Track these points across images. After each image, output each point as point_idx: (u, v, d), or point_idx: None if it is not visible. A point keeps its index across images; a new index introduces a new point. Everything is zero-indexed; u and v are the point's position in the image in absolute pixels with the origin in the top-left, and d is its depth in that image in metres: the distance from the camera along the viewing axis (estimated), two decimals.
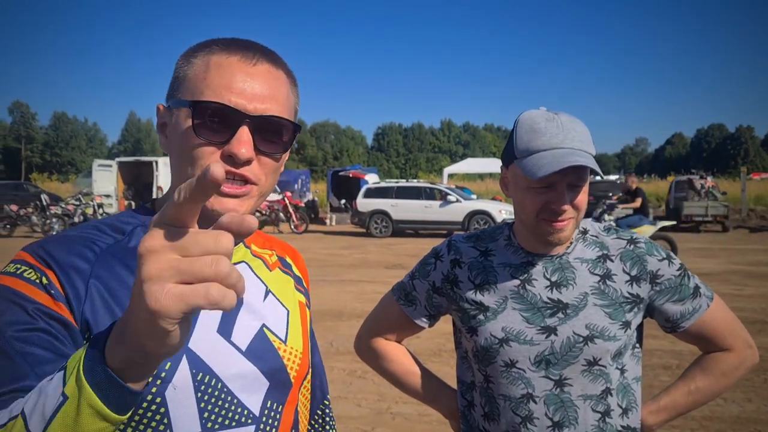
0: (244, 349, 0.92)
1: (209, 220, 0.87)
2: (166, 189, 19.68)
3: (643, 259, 1.33)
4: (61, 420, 0.62)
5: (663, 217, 20.22)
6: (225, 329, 0.91)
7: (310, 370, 1.12)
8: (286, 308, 1.03)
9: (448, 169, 24.82)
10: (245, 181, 0.87)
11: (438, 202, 19.23)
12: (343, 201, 26.30)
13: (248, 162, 0.86)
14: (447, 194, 19.45)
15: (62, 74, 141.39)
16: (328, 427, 1.21)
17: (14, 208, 19.16)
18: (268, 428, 0.92)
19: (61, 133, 75.56)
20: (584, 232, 1.39)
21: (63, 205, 19.50)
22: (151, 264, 0.54)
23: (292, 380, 0.98)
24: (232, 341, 0.91)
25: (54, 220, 18.48)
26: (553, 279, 1.34)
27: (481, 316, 1.37)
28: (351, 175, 26.38)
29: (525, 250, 1.37)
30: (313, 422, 1.18)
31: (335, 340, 6.41)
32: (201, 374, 0.86)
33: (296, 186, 25.68)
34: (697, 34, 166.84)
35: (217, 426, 0.87)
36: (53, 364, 0.75)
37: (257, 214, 18.97)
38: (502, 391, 1.35)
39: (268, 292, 1.01)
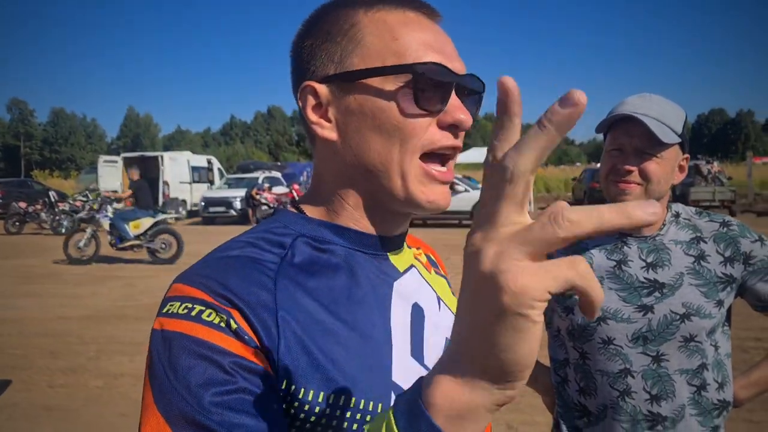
0: None
1: (401, 218, 0.80)
2: (172, 184, 19.53)
3: (737, 241, 1.40)
4: None
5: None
6: (417, 353, 0.77)
7: None
8: (453, 313, 0.87)
9: None
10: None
11: None
12: None
13: (466, 129, 0.75)
14: (455, 184, 19.50)
15: (60, 71, 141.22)
16: None
17: (23, 205, 19.21)
18: None
19: (60, 129, 75.52)
20: (677, 215, 1.46)
21: (70, 202, 19.54)
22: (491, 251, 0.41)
23: None
24: (426, 365, 0.76)
25: (62, 216, 18.53)
26: (649, 260, 1.40)
27: (576, 296, 1.43)
28: None
29: (619, 231, 1.44)
30: None
31: None
32: None
33: (302, 178, 25.70)
34: (697, 20, 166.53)
35: None
36: None
37: (264, 207, 19.06)
38: (600, 366, 1.42)
39: (439, 299, 0.86)
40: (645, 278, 1.40)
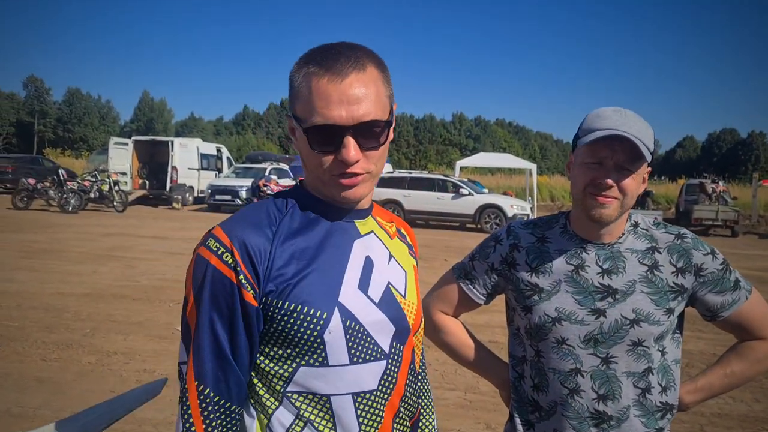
0: (377, 301, 1.18)
1: (340, 209, 1.19)
2: (181, 170, 19.73)
3: (690, 253, 1.48)
4: None
5: (672, 220, 20.22)
6: (363, 285, 1.17)
7: (423, 319, 1.35)
8: (404, 270, 1.28)
9: (461, 162, 24.85)
10: (357, 173, 1.12)
11: (450, 195, 19.35)
12: None
13: (357, 161, 1.10)
14: (460, 187, 19.54)
15: (77, 51, 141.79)
16: (422, 379, 1.44)
17: (32, 181, 19.41)
18: (394, 363, 1.19)
19: (75, 109, 75.63)
20: (635, 225, 1.53)
21: (79, 181, 19.72)
22: None
23: (410, 326, 1.24)
24: (369, 295, 1.16)
25: (70, 194, 18.70)
26: (605, 266, 1.48)
27: (536, 297, 1.51)
28: None
29: (579, 237, 1.51)
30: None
31: None
32: (349, 321, 1.13)
33: None
34: (712, 38, 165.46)
35: (360, 360, 1.14)
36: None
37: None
38: (553, 365, 1.50)
39: (390, 256, 1.26)
40: (600, 283, 1.47)
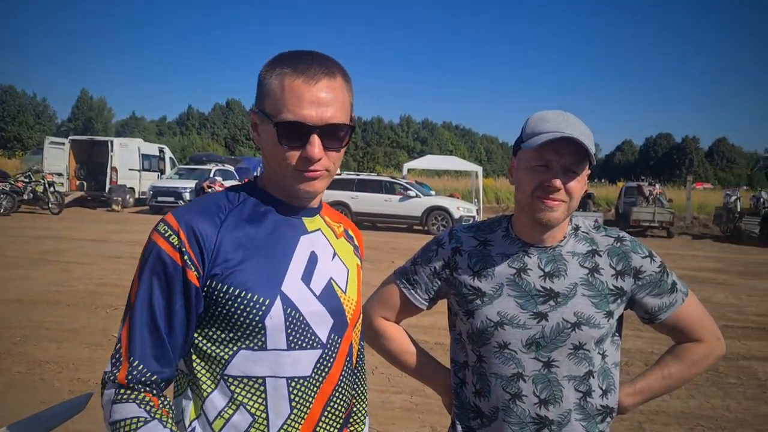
0: (318, 293, 1.25)
1: (298, 198, 1.26)
2: (121, 170, 19.22)
3: (629, 256, 1.48)
4: None
5: (611, 221, 20.82)
6: (306, 278, 1.24)
7: (361, 316, 1.41)
8: (347, 267, 1.36)
9: (408, 165, 24.99)
10: (318, 170, 1.21)
11: (398, 197, 19.41)
12: None
13: (320, 159, 1.19)
14: (407, 189, 19.63)
15: (10, 47, 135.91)
16: (362, 362, 1.53)
17: None
18: (330, 353, 1.26)
19: (8, 107, 72.41)
20: (576, 228, 1.53)
21: (12, 182, 18.86)
22: None
23: (348, 321, 1.31)
24: (311, 287, 1.24)
25: (2, 196, 17.88)
26: (547, 269, 1.47)
27: (478, 301, 1.49)
28: None
29: (522, 240, 1.50)
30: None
31: None
32: (289, 309, 1.20)
33: (255, 173, 25.39)
34: (648, 46, 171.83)
35: (297, 346, 1.21)
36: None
37: None
38: (494, 370, 1.48)
39: (335, 254, 1.34)
40: (542, 287, 1.46)
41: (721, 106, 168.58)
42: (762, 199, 23.55)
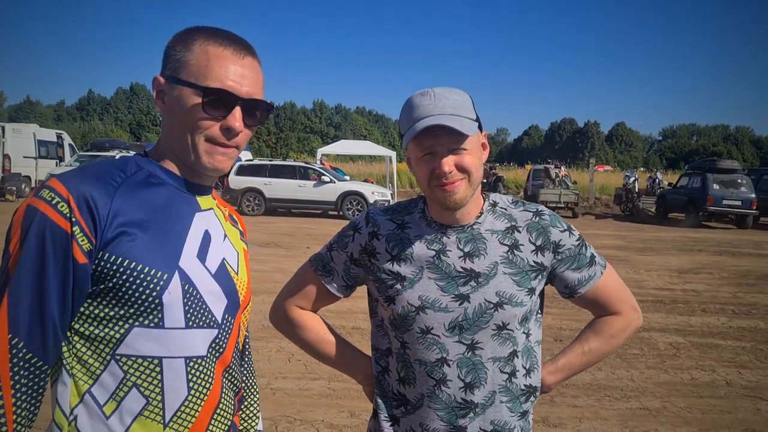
0: (213, 272, 1.21)
1: (196, 173, 1.22)
2: (15, 158, 17.94)
3: (547, 230, 1.47)
4: None
5: None
6: (202, 256, 1.20)
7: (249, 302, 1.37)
8: (237, 250, 1.33)
9: (322, 150, 24.80)
10: (232, 145, 1.18)
11: (312, 182, 19.23)
12: None
13: (239, 132, 1.17)
14: (321, 174, 19.48)
15: None
16: (249, 354, 1.51)
17: None
18: (224, 333, 1.22)
19: None
20: (494, 204, 1.50)
21: None
22: None
23: (241, 303, 1.29)
24: (206, 266, 1.20)
25: None
26: (466, 249, 1.43)
27: (398, 286, 1.44)
28: None
29: (437, 222, 1.46)
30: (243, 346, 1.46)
31: None
32: (187, 286, 1.15)
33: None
34: (551, 36, 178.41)
35: (194, 324, 1.16)
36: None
37: None
38: (418, 356, 1.43)
39: (225, 236, 1.31)
40: (462, 268, 1.42)
41: (619, 92, 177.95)
42: (657, 180, 25.09)
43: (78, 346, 1.10)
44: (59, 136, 25.53)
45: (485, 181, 14.02)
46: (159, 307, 1.10)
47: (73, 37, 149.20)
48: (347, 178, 22.09)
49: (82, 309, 1.09)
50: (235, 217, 1.43)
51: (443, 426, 1.43)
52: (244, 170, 19.34)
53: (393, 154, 25.31)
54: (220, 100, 1.14)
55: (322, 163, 22.95)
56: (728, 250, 13.95)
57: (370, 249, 1.49)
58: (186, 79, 1.14)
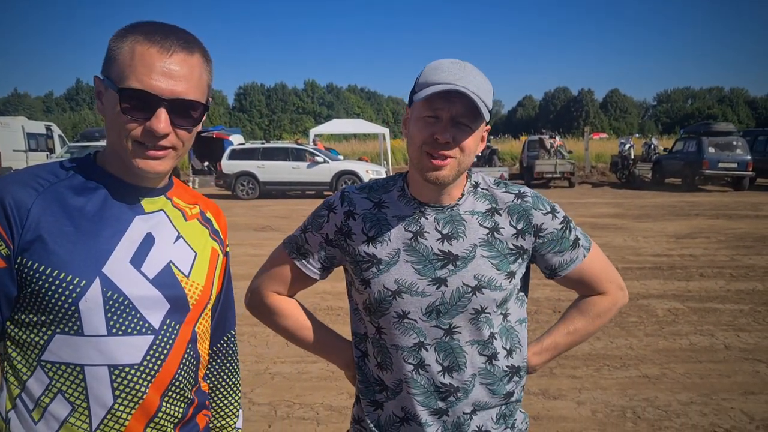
0: (151, 277, 1.17)
1: (137, 176, 1.18)
2: (4, 152, 17.69)
3: (529, 213, 1.40)
4: None
5: (517, 175, 21.43)
6: (137, 261, 1.16)
7: (213, 301, 1.34)
8: (195, 251, 1.28)
9: (315, 130, 24.63)
10: (164, 147, 1.13)
11: (305, 163, 19.13)
12: (206, 163, 25.35)
13: (165, 135, 1.12)
14: (314, 155, 19.37)
15: None
16: (231, 352, 1.48)
17: None
18: (165, 340, 1.18)
19: None
20: (476, 185, 1.44)
21: None
22: None
23: (191, 306, 1.24)
24: (142, 270, 1.17)
25: None
26: (445, 231, 1.37)
27: (374, 269, 1.38)
28: (214, 136, 25.44)
29: (417, 200, 1.40)
30: (217, 347, 1.44)
31: None
32: (110, 292, 1.12)
33: None
34: (543, 4, 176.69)
35: (120, 332, 1.13)
36: None
37: None
38: (395, 341, 1.39)
39: (179, 237, 1.26)
40: (440, 250, 1.36)
41: (612, 58, 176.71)
42: (653, 146, 24.97)
43: (9, 351, 1.13)
44: (48, 128, 25.31)
45: (479, 154, 13.91)
46: (76, 314, 1.09)
47: (60, 26, 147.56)
48: (341, 157, 21.97)
49: (12, 314, 1.12)
50: (209, 214, 1.37)
51: (424, 411, 1.39)
52: (236, 154, 19.25)
53: (386, 131, 25.12)
54: (140, 103, 1.09)
55: (315, 144, 22.81)
56: (725, 213, 13.92)
57: (346, 229, 1.43)
58: (112, 79, 1.11)
